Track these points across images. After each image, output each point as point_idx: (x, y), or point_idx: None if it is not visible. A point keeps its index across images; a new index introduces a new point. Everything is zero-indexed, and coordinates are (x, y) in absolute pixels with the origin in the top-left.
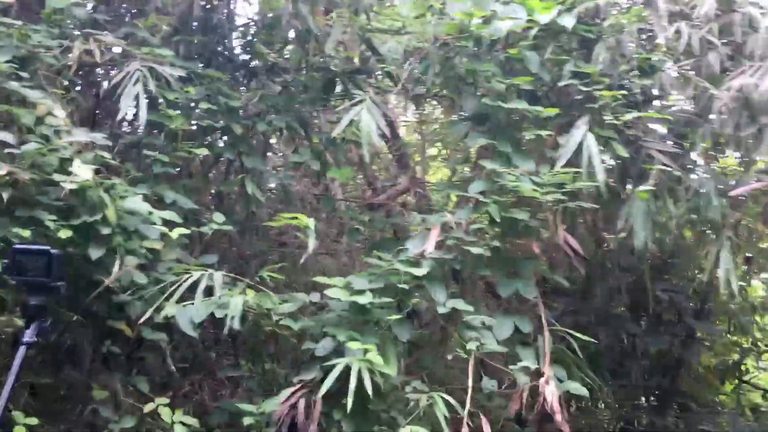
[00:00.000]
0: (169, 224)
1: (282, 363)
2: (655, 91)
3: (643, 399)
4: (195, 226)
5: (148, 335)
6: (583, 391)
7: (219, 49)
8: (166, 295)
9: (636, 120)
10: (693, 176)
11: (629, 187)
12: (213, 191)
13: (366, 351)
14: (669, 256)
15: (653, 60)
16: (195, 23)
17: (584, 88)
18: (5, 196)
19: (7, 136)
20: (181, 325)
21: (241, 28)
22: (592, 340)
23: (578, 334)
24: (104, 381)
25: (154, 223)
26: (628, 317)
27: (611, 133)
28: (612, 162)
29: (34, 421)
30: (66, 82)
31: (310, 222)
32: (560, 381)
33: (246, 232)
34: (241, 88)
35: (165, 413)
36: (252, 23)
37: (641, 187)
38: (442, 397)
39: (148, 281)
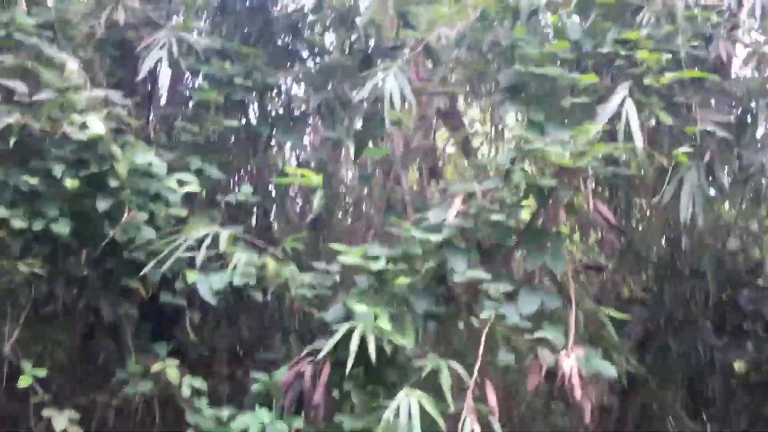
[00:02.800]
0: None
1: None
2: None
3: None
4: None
5: (167, 299)
6: (612, 372)
7: (263, 30)
8: (172, 254)
9: (692, 92)
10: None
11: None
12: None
13: (376, 317)
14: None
15: (709, 22)
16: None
17: (625, 53)
18: (11, 142)
19: (20, 86)
20: (201, 292)
21: (284, 12)
22: (626, 316)
23: (613, 313)
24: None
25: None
26: (707, 327)
27: (655, 100)
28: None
29: (42, 372)
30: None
31: (318, 179)
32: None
33: (275, 205)
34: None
35: (171, 373)
36: (296, 6)
37: (681, 149)
38: (448, 366)
39: (157, 237)
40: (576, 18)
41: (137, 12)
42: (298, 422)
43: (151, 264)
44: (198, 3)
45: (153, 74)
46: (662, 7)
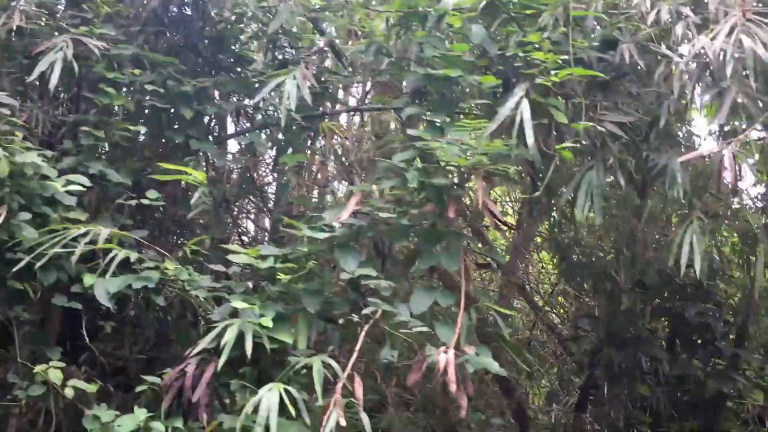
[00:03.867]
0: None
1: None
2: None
3: None
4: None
5: (60, 303)
6: (496, 368)
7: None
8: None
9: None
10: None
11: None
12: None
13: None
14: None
15: (614, 29)
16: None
17: (522, 54)
18: None
19: None
20: (98, 295)
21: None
22: (510, 312)
23: (502, 309)
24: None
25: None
26: (651, 339)
27: (554, 100)
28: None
29: None
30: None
31: (202, 176)
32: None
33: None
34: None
35: (53, 375)
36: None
37: (564, 144)
38: (322, 361)
39: (39, 236)
40: (479, 23)
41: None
42: (177, 422)
43: (39, 264)
44: (120, 12)
45: (65, 80)
46: (562, 9)
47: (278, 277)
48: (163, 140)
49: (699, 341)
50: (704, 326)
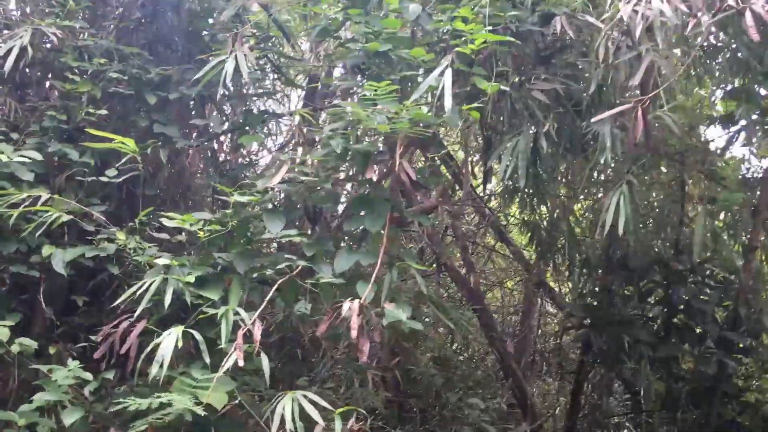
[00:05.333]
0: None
1: None
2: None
3: None
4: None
5: (21, 271)
6: (417, 325)
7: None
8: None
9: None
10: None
11: None
12: None
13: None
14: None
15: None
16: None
17: (451, 27)
18: None
19: None
20: (54, 264)
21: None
22: (423, 267)
23: (418, 266)
24: None
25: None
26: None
27: (479, 70)
28: None
29: None
30: None
31: (130, 142)
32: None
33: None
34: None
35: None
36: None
37: (470, 105)
38: (234, 311)
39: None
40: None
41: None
42: (109, 374)
43: None
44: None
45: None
46: None
47: (199, 236)
48: (130, 124)
49: (689, 325)
50: (695, 310)
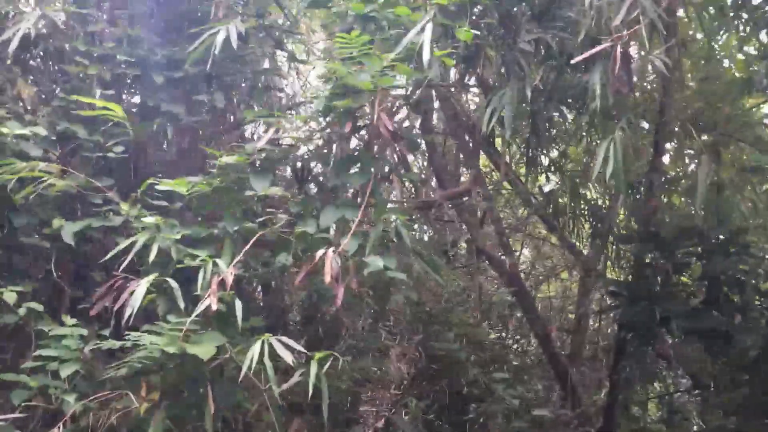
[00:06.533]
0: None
1: None
2: None
3: None
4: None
5: (29, 241)
6: (400, 275)
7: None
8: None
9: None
10: None
11: None
12: None
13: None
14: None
15: None
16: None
17: None
18: None
19: None
20: (63, 235)
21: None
22: (405, 216)
23: (402, 216)
24: None
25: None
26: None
27: (463, 23)
28: None
29: None
30: None
31: (117, 109)
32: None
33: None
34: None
35: (9, 296)
36: None
37: (444, 51)
38: (213, 261)
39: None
40: None
41: None
42: (105, 330)
43: None
44: None
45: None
46: None
47: (184, 193)
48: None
49: (728, 296)
50: (734, 280)
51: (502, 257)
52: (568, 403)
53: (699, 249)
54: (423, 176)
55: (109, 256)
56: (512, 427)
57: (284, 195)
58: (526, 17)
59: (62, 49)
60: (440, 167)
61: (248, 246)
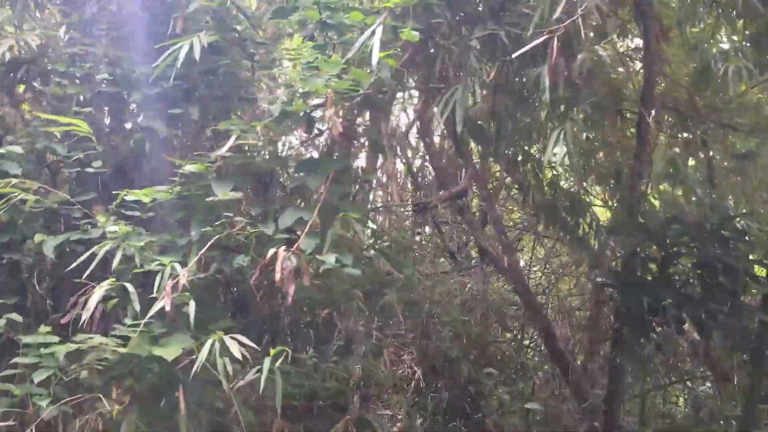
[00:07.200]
0: None
1: None
2: None
3: None
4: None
5: (16, 257)
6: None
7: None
8: None
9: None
10: None
11: None
12: None
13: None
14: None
15: None
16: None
17: None
18: None
19: None
20: (45, 249)
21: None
22: (358, 216)
23: (355, 215)
24: None
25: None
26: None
27: (412, 24)
28: None
29: None
30: None
31: (82, 125)
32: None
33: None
34: None
35: None
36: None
37: (386, 52)
38: (171, 264)
39: None
40: None
41: None
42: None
43: None
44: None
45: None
46: None
47: (143, 198)
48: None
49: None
50: (727, 267)
51: (502, 256)
52: (573, 397)
53: (688, 238)
54: (421, 177)
55: (74, 265)
56: (509, 423)
57: (239, 199)
58: (480, 14)
59: (45, 70)
60: (440, 168)
61: (204, 249)
